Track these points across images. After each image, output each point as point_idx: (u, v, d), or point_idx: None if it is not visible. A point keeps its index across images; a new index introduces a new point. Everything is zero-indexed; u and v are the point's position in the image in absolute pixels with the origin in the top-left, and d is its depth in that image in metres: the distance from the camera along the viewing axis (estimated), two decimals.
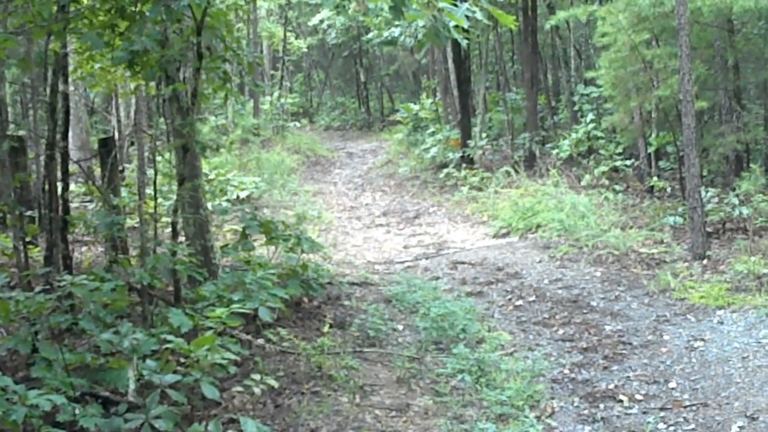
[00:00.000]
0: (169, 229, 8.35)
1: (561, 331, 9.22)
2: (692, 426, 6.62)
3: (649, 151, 16.21)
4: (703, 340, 8.50)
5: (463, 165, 19.89)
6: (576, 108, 20.66)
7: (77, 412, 5.38)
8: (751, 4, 12.80)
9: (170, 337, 6.20)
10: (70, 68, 9.89)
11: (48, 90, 8.91)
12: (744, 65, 15.04)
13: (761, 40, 15.47)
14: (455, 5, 7.19)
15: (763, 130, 15.16)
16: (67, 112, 9.00)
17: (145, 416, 5.54)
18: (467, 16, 7.33)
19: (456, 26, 7.29)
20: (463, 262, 12.61)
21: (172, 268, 7.66)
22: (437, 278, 11.75)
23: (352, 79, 40.03)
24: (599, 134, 18.33)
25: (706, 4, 12.98)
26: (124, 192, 11.97)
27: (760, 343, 8.20)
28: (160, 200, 10.86)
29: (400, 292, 10.52)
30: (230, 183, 17.48)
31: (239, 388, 6.69)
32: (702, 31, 14.41)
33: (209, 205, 11.10)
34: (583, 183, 16.67)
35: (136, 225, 10.27)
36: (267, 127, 27.42)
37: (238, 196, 17.05)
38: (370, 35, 28.36)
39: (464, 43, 7.87)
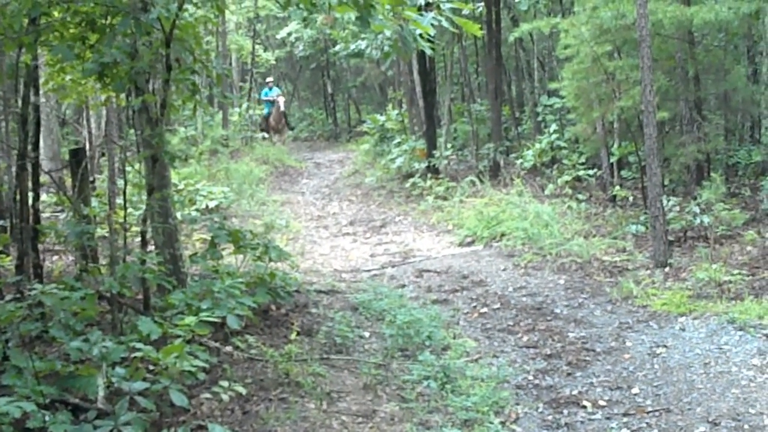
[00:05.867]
0: (139, 239, 8.38)
1: (525, 338, 9.31)
2: (655, 431, 6.73)
3: (611, 160, 16.38)
4: (665, 346, 8.63)
5: (429, 175, 19.97)
6: (539, 119, 20.88)
7: (47, 419, 5.40)
8: (711, 17, 13.00)
9: (139, 345, 6.23)
10: (41, 80, 9.91)
11: (19, 101, 8.93)
12: (704, 76, 15.22)
13: (721, 52, 15.70)
14: (421, 15, 7.32)
15: (723, 140, 15.38)
16: (38, 124, 9.03)
17: (114, 423, 5.56)
18: (433, 25, 7.47)
19: (421, 35, 7.42)
20: (429, 271, 12.68)
21: (141, 276, 7.68)
22: (403, 286, 11.81)
23: (319, 90, 40.17)
24: (562, 144, 18.55)
25: (667, 17, 13.15)
26: (94, 202, 11.95)
27: (721, 349, 8.33)
28: (129, 210, 10.89)
29: (366, 299, 10.56)
30: (199, 193, 17.46)
31: (208, 395, 6.74)
32: (663, 43, 14.60)
33: (178, 214, 11.13)
34: (546, 192, 16.82)
35: (106, 234, 10.27)
36: (236, 138, 27.44)
37: (207, 206, 17.03)
38: (337, 48, 28.47)
39: (430, 52, 7.98)
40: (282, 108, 28.16)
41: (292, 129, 33.23)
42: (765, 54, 17.27)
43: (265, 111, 29.36)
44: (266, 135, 29.00)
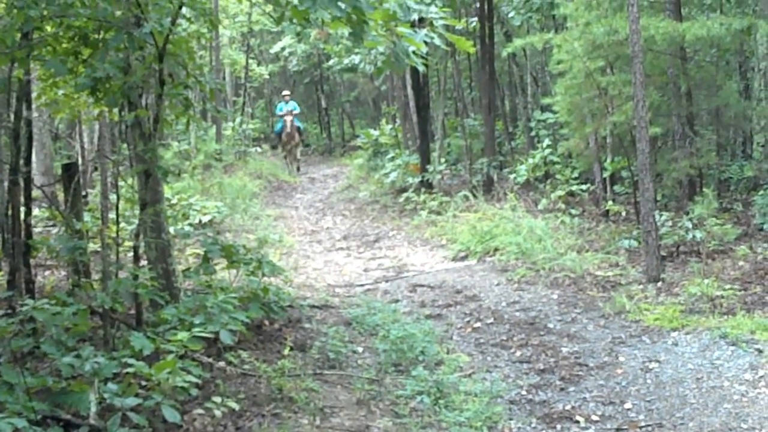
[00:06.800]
0: (132, 254, 8.36)
1: (518, 353, 9.30)
2: None
3: (604, 175, 16.42)
4: (657, 361, 8.63)
5: (422, 189, 19.99)
6: (533, 133, 20.95)
7: None
8: (702, 33, 13.06)
9: (132, 361, 6.23)
10: (34, 95, 9.91)
11: (12, 116, 8.92)
12: (696, 92, 15.27)
13: (713, 68, 15.77)
14: (414, 32, 7.34)
15: (715, 156, 15.42)
16: (30, 138, 9.01)
17: None
18: (425, 42, 7.50)
19: (414, 51, 7.44)
20: (422, 285, 12.67)
21: (134, 291, 7.67)
22: (397, 301, 11.79)
23: (313, 105, 40.27)
24: (555, 159, 18.58)
25: (660, 33, 13.20)
26: (87, 217, 11.93)
27: (713, 364, 8.33)
28: (122, 225, 10.83)
29: (360, 314, 10.55)
30: (193, 207, 17.38)
31: (200, 411, 6.70)
32: (655, 59, 14.64)
33: (171, 229, 11.11)
34: (539, 207, 16.84)
35: (98, 249, 10.26)
36: (229, 153, 27.38)
37: (200, 221, 16.97)
38: (331, 62, 28.56)
39: (422, 68, 7.99)
40: (291, 124, 26.96)
41: (306, 146, 32.81)
42: (756, 69, 17.35)
43: (278, 127, 28.58)
44: (265, 149, 28.95)
